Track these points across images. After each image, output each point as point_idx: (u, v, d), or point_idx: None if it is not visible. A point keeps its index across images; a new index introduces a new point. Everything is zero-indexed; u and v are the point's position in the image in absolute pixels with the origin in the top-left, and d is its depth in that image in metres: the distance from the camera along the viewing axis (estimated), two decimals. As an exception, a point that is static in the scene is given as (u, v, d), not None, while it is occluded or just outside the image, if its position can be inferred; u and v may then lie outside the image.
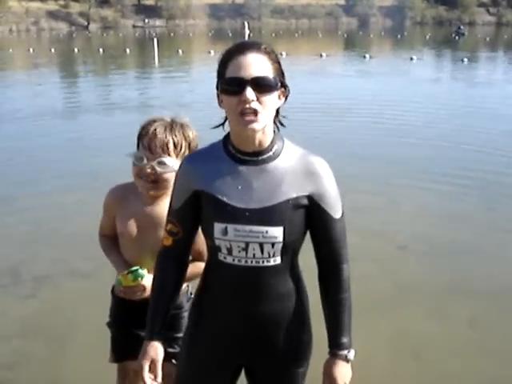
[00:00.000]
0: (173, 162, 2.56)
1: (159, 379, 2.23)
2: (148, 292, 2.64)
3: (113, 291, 2.91)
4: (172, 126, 2.60)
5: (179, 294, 2.37)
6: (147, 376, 2.20)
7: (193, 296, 2.77)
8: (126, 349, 2.90)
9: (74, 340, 4.47)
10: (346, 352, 2.20)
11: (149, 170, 2.57)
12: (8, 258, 6.04)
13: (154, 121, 2.62)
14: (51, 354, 4.34)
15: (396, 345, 4.45)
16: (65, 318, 4.80)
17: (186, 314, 2.81)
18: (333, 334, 2.22)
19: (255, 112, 1.97)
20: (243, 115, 1.96)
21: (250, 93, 1.95)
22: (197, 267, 2.48)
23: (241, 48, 2.01)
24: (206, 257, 2.39)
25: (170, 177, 2.56)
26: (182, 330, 2.75)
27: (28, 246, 6.34)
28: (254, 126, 1.98)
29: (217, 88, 2.07)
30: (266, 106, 1.99)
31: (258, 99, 1.96)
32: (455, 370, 4.16)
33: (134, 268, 2.66)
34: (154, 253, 2.58)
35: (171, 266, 2.28)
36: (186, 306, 2.83)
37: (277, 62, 2.04)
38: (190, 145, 2.62)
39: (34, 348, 4.43)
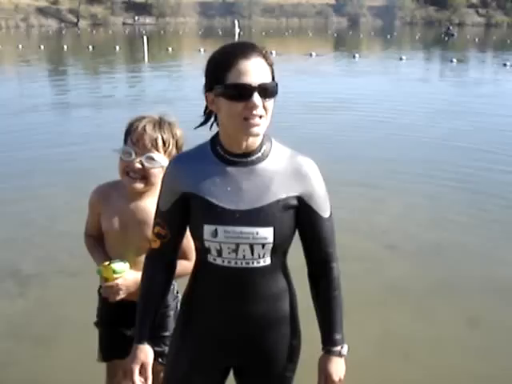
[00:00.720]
0: (161, 158, 2.60)
1: (149, 382, 2.23)
2: (125, 291, 2.67)
3: (100, 291, 2.90)
4: (160, 123, 2.63)
5: (167, 295, 2.37)
6: (138, 379, 2.21)
7: (179, 295, 2.79)
8: (114, 348, 2.90)
9: (63, 338, 4.45)
10: (339, 348, 2.23)
11: (137, 165, 2.59)
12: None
13: (143, 117, 2.65)
14: (39, 353, 4.32)
15: (385, 345, 4.46)
16: (53, 317, 4.78)
17: (172, 313, 2.84)
18: (326, 332, 2.25)
19: (260, 117, 1.98)
20: (248, 120, 1.97)
21: (257, 99, 1.95)
22: (181, 266, 2.47)
23: (243, 51, 1.99)
24: (191, 255, 2.42)
25: (158, 173, 2.60)
26: (169, 329, 2.78)
27: (15, 245, 6.31)
28: (258, 130, 2.00)
29: (209, 89, 2.05)
30: (269, 111, 2.01)
31: (262, 104, 1.98)
32: (444, 370, 4.18)
33: (117, 261, 2.66)
34: (138, 249, 2.63)
35: (159, 269, 2.27)
36: (172, 304, 2.85)
37: (271, 65, 2.04)
38: (177, 143, 2.66)
39: (22, 347, 4.41)
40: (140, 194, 2.70)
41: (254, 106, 1.96)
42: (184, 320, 2.33)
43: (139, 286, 2.32)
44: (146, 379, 2.22)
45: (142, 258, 2.56)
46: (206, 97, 2.08)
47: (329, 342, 2.24)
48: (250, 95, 1.95)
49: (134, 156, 2.59)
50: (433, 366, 4.22)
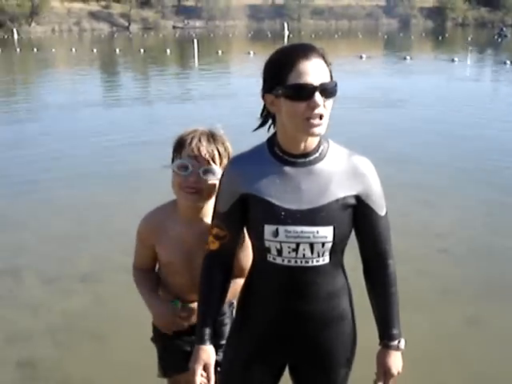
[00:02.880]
0: (218, 171, 2.52)
1: (212, 383, 2.24)
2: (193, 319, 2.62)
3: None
4: (214, 136, 2.58)
5: (226, 296, 2.37)
6: (199, 381, 2.21)
7: (234, 302, 2.77)
8: (173, 363, 2.86)
9: (119, 335, 4.54)
10: (396, 342, 2.26)
11: (195, 178, 2.52)
12: (52, 254, 6.18)
13: (195, 131, 2.60)
14: (95, 349, 4.42)
15: (436, 348, 4.41)
16: (109, 314, 4.88)
17: (228, 321, 2.81)
18: (384, 326, 2.27)
19: (321, 117, 2.01)
20: (309, 120, 2.00)
21: (319, 99, 1.98)
22: (237, 284, 2.48)
23: (304, 52, 2.02)
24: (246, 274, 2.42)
25: (214, 186, 2.53)
26: (226, 337, 2.73)
27: (71, 244, 6.46)
28: (319, 130, 2.03)
29: (268, 91, 2.08)
30: (328, 111, 2.04)
31: (323, 104, 2.01)
32: (497, 375, 4.13)
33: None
34: None
35: (218, 270, 2.29)
36: (228, 312, 2.82)
37: (329, 66, 2.07)
38: (229, 155, 2.59)
39: (78, 342, 4.52)
40: (196, 215, 2.63)
41: (316, 105, 1.98)
42: (241, 319, 2.37)
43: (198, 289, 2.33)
44: (208, 380, 2.23)
45: None
46: (265, 98, 2.11)
47: (386, 337, 2.26)
48: (312, 95, 1.98)
49: (191, 169, 2.52)
50: (485, 371, 4.17)
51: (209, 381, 2.23)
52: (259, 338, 2.30)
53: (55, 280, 5.59)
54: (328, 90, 2.01)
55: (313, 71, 1.99)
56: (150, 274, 2.79)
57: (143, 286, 2.75)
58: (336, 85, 2.05)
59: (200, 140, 2.54)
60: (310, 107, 1.99)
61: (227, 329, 2.78)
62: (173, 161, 2.61)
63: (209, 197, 2.58)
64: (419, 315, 4.76)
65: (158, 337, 2.91)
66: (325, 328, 2.24)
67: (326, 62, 2.04)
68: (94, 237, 6.65)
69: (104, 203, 7.69)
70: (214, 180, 2.52)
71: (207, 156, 2.52)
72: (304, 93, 1.99)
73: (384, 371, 2.28)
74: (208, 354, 2.24)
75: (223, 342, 2.72)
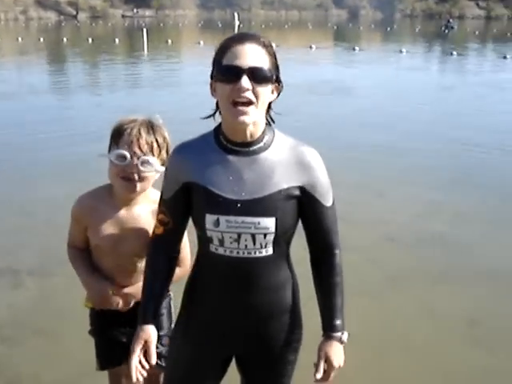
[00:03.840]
0: (156, 162, 2.52)
1: (153, 361, 2.20)
2: (127, 303, 2.67)
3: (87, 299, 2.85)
4: (153, 126, 2.55)
5: (171, 281, 2.37)
6: (136, 360, 2.17)
7: (171, 293, 2.80)
8: (111, 356, 2.85)
9: (66, 329, 4.46)
10: (339, 334, 2.23)
11: (131, 169, 2.50)
12: (-3, 247, 6.05)
13: (133, 120, 2.56)
14: (42, 344, 4.34)
15: (383, 336, 4.47)
16: (56, 308, 4.79)
17: (165, 311, 2.82)
18: (327, 317, 2.24)
19: (249, 102, 1.97)
20: (236, 105, 1.96)
21: (245, 82, 1.94)
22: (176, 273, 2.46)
23: (240, 38, 2.01)
24: (185, 262, 2.46)
25: (151, 177, 2.55)
26: (163, 327, 2.77)
27: (17, 236, 6.33)
28: (245, 118, 1.97)
29: (211, 77, 2.07)
30: (260, 98, 1.99)
31: (252, 89, 1.97)
32: (443, 361, 4.18)
33: None
34: (133, 260, 2.59)
35: (163, 254, 2.28)
36: (165, 302, 2.81)
37: (273, 56, 2.04)
38: (167, 146, 2.57)
39: (26, 338, 4.43)
40: (129, 202, 2.62)
41: (241, 89, 1.94)
42: (186, 311, 2.35)
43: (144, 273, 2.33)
44: (149, 358, 2.18)
45: (138, 267, 2.61)
46: (211, 85, 2.08)
47: (329, 328, 2.23)
48: (239, 77, 1.95)
49: (129, 159, 2.49)
50: (432, 357, 4.23)
51: (150, 358, 2.19)
52: (205, 329, 2.28)
53: (0, 274, 5.46)
54: (258, 75, 1.97)
55: (244, 55, 1.96)
56: (85, 252, 2.76)
57: (78, 265, 2.74)
58: (271, 72, 2.01)
59: (139, 131, 2.51)
60: (235, 90, 1.95)
61: (164, 319, 2.81)
62: (110, 149, 2.58)
63: (145, 188, 2.59)
64: (367, 304, 4.81)
65: (95, 329, 2.92)
66: (270, 319, 2.23)
67: (267, 50, 2.01)
68: (40, 229, 6.51)
69: (51, 195, 7.53)
70: (152, 171, 2.53)
71: (146, 147, 2.51)
72: (231, 75, 1.96)
73: (325, 362, 2.22)
74: (148, 332, 2.21)
75: (161, 333, 2.73)
